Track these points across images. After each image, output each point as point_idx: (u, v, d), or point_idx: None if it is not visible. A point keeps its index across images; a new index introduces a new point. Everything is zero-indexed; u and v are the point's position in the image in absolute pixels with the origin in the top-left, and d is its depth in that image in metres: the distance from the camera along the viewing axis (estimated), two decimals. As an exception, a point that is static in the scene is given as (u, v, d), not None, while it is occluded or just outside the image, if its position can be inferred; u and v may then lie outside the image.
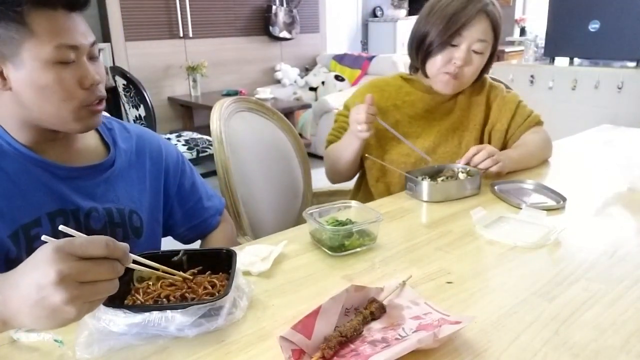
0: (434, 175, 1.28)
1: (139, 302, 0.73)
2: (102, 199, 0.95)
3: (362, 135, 1.25)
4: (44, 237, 0.58)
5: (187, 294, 0.74)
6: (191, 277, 0.78)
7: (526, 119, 1.45)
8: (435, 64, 1.32)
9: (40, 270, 0.55)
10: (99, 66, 0.89)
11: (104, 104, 0.90)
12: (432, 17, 1.30)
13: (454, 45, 1.29)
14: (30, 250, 0.60)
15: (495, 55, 1.38)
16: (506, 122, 1.44)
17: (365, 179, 1.51)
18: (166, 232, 1.13)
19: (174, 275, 0.76)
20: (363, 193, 1.52)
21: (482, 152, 1.26)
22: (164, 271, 0.75)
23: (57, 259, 0.55)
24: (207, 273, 0.80)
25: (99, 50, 0.91)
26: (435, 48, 1.30)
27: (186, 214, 1.13)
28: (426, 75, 1.39)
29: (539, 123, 1.48)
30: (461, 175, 1.25)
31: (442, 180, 1.25)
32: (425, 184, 1.21)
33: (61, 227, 0.61)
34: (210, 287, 0.76)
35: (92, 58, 0.88)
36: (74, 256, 0.56)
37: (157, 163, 1.07)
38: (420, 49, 1.34)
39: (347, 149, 1.35)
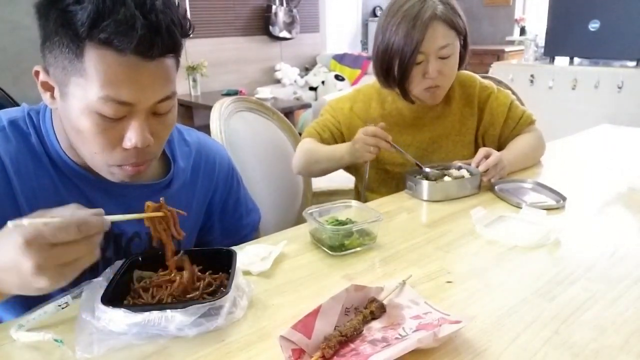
0: (436, 174, 1.27)
1: (139, 301, 0.73)
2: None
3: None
4: (9, 223, 0.57)
5: (188, 290, 0.74)
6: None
7: (518, 122, 1.43)
8: (411, 85, 1.29)
9: (16, 261, 0.56)
10: (162, 124, 0.77)
11: (145, 166, 0.79)
12: (388, 42, 1.25)
13: (419, 63, 1.25)
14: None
15: (468, 43, 1.32)
16: (499, 127, 1.42)
17: (359, 184, 1.51)
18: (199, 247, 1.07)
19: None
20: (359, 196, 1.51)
21: (490, 160, 1.24)
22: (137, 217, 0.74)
23: (30, 252, 0.56)
24: (207, 273, 0.80)
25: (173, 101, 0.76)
26: (404, 73, 1.26)
27: (224, 232, 1.07)
28: (405, 96, 1.33)
29: (531, 122, 1.46)
30: (465, 174, 1.25)
31: (444, 179, 1.24)
32: (425, 184, 1.21)
33: (25, 221, 0.58)
34: (209, 287, 0.76)
35: (156, 114, 0.75)
36: (47, 244, 0.57)
37: (208, 181, 1.01)
38: (390, 76, 1.29)
39: (334, 161, 1.32)
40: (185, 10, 0.73)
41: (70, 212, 0.61)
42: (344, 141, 1.40)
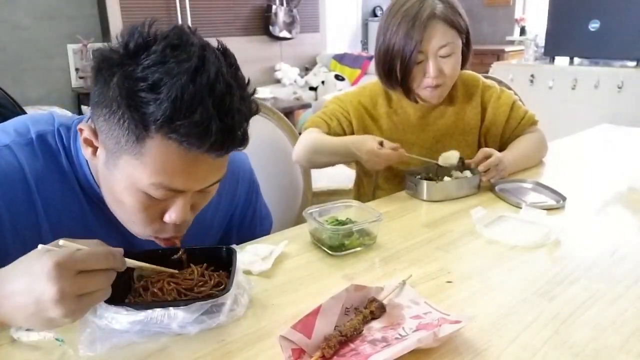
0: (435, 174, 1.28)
1: (139, 300, 0.73)
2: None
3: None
4: (40, 247, 0.57)
5: (191, 287, 0.74)
6: (177, 272, 0.77)
7: (520, 121, 1.43)
8: (413, 84, 1.30)
9: (40, 285, 0.55)
10: (203, 198, 0.76)
11: (176, 241, 0.78)
12: (389, 43, 1.27)
13: (419, 63, 1.26)
14: None
15: (470, 43, 1.32)
16: (500, 126, 1.43)
17: (363, 185, 1.50)
18: None
19: (165, 271, 0.75)
20: (364, 192, 1.51)
21: (491, 160, 1.23)
22: (155, 269, 0.74)
23: (59, 276, 0.54)
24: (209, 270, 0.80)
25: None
26: (405, 73, 1.27)
27: (238, 241, 1.01)
28: (409, 95, 1.34)
29: (533, 123, 1.46)
30: (467, 174, 1.25)
31: (444, 179, 1.24)
32: (425, 184, 1.21)
33: (62, 242, 0.59)
34: (207, 277, 0.77)
35: (202, 191, 0.74)
36: (75, 270, 0.56)
37: (231, 197, 0.99)
38: (392, 77, 1.31)
39: (339, 156, 1.30)
40: (254, 91, 0.73)
41: (95, 245, 0.61)
42: (352, 131, 1.39)
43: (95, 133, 0.70)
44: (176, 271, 0.77)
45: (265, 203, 1.14)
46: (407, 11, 1.24)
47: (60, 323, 0.58)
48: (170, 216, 0.72)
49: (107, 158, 0.69)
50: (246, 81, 0.71)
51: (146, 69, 0.62)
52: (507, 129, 1.44)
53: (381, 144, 1.19)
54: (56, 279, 0.54)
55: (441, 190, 1.21)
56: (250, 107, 0.70)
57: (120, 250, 0.63)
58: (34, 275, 0.55)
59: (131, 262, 0.67)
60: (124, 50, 0.65)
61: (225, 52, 0.69)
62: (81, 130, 0.72)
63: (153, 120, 0.62)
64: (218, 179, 0.73)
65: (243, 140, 0.69)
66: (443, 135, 1.40)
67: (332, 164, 1.38)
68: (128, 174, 0.67)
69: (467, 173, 1.25)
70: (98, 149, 0.71)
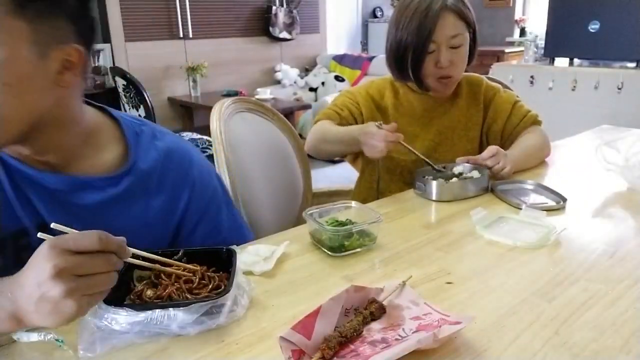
0: (443, 174, 1.28)
1: (140, 300, 0.73)
2: (90, 228, 0.70)
3: (377, 155, 1.21)
4: (40, 235, 0.61)
5: (191, 288, 0.74)
6: (177, 273, 0.77)
7: (522, 119, 1.46)
8: (425, 74, 1.35)
9: (38, 267, 0.59)
10: None
11: None
12: (402, 32, 1.32)
13: (431, 53, 1.31)
14: (18, 260, 0.63)
15: (477, 39, 1.38)
16: (502, 123, 1.46)
17: (366, 178, 1.51)
18: None
19: (169, 269, 0.76)
20: (364, 193, 1.52)
21: (494, 158, 1.26)
22: (159, 269, 0.75)
23: (52, 255, 0.58)
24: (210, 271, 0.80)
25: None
26: (417, 62, 1.33)
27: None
28: (420, 85, 1.39)
29: (536, 122, 1.48)
30: (475, 174, 1.25)
31: (452, 179, 1.24)
32: (434, 184, 1.21)
33: (53, 225, 0.62)
34: (207, 280, 0.77)
35: None
36: (69, 251, 0.59)
37: (176, 199, 0.91)
38: (404, 68, 1.36)
39: (345, 144, 1.35)
40: None
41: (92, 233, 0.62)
42: (363, 121, 1.43)
43: None
44: (177, 270, 0.77)
45: (242, 223, 1.05)
46: (419, 4, 1.30)
47: (65, 306, 0.58)
48: None
49: None
50: None
51: None
52: (509, 126, 1.46)
53: (379, 126, 1.21)
54: (50, 258, 0.58)
55: (451, 190, 1.21)
56: None
57: (122, 238, 0.64)
58: (34, 261, 0.60)
59: (137, 252, 0.69)
60: None
61: None
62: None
63: None
64: None
65: None
66: (446, 128, 1.45)
67: (339, 154, 1.46)
68: None
69: (475, 173, 1.25)
70: None
